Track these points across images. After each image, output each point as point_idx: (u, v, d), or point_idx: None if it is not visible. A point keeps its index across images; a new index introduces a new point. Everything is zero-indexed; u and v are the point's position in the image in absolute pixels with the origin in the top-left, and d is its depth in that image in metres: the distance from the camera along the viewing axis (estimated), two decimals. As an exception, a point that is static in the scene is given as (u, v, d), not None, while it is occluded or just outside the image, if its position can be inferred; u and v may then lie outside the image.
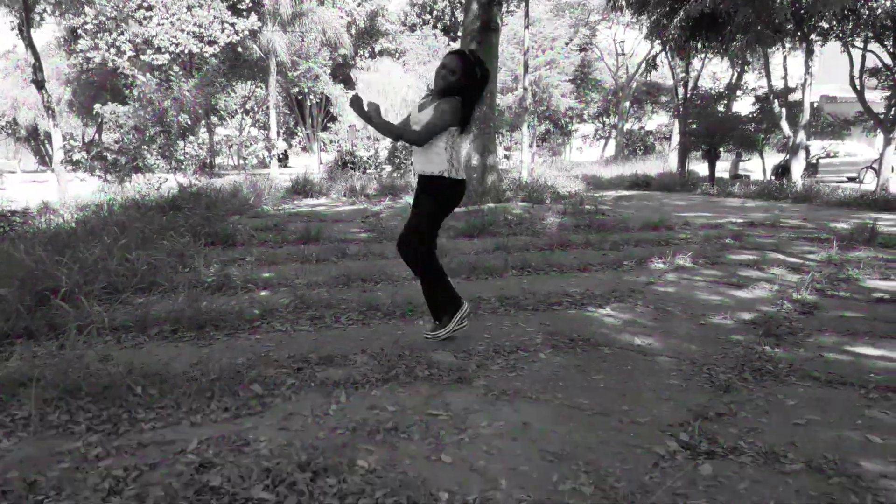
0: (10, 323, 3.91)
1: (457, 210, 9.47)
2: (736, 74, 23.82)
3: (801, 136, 15.22)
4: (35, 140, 31.39)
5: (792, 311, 4.48)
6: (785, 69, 16.38)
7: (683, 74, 19.78)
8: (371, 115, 3.54)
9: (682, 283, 5.31)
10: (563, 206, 10.15)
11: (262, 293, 5.02)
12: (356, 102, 3.58)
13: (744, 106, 23.58)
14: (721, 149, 17.83)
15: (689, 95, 19.44)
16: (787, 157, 20.00)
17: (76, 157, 10.68)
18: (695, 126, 17.81)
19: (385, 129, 3.58)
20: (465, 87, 3.56)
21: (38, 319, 4.02)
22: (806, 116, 15.09)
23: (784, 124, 15.59)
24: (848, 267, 5.92)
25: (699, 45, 15.17)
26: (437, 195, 3.71)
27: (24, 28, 14.33)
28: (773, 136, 18.98)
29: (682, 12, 12.97)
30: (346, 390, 3.05)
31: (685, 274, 5.66)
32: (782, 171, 19.71)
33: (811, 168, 20.31)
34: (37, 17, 17.22)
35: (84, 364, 3.16)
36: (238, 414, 2.79)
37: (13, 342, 3.80)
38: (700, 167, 24.36)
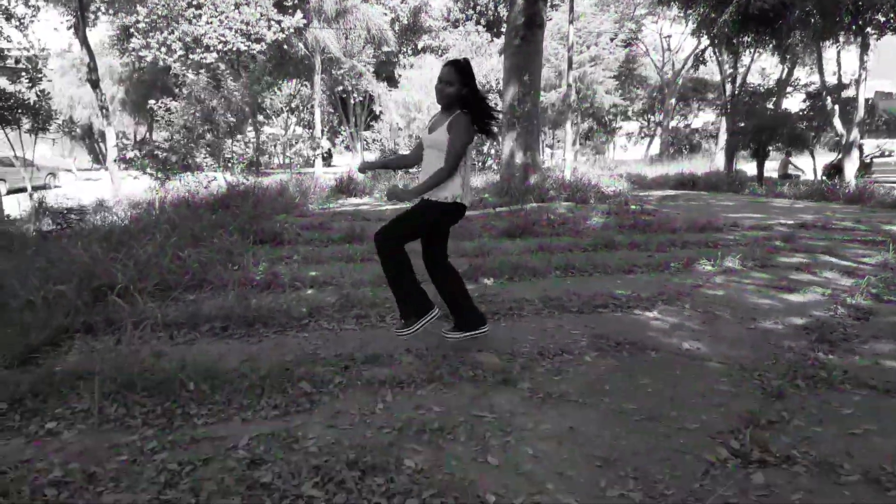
0: (70, 318, 4.06)
1: (499, 209, 9.57)
2: (786, 70, 23.19)
3: (855, 133, 14.74)
4: (90, 138, 32.41)
5: (846, 316, 4.35)
6: (838, 64, 15.81)
7: (731, 70, 19.34)
8: (409, 192, 3.55)
9: (731, 286, 5.20)
10: (607, 205, 10.03)
11: (309, 291, 5.10)
12: (394, 194, 3.61)
13: (794, 103, 22.93)
14: (770, 147, 17.36)
15: (737, 92, 18.99)
16: (840, 156, 19.41)
17: (129, 154, 11.01)
18: (743, 124, 17.37)
19: (428, 187, 3.46)
20: (467, 93, 3.48)
21: (96, 315, 4.17)
22: (860, 113, 14.60)
23: (837, 122, 15.11)
24: (905, 271, 5.73)
25: (749, 40, 14.78)
26: (440, 218, 3.61)
27: (80, 27, 14.80)
28: (825, 135, 18.40)
29: (732, 6, 12.66)
30: (392, 389, 3.08)
31: (734, 277, 5.54)
32: (834, 170, 19.11)
33: (865, 168, 19.61)
34: (91, 17, 17.77)
35: (139, 359, 3.26)
36: (287, 411, 2.85)
37: (73, 336, 3.96)
38: (748, 166, 23.78)
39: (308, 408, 2.89)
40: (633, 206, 9.89)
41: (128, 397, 2.94)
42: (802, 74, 25.67)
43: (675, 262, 5.99)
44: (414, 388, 3.10)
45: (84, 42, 14.87)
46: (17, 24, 10.39)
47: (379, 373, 3.28)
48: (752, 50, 18.05)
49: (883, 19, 13.32)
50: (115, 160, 11.37)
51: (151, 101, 13.62)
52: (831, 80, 19.59)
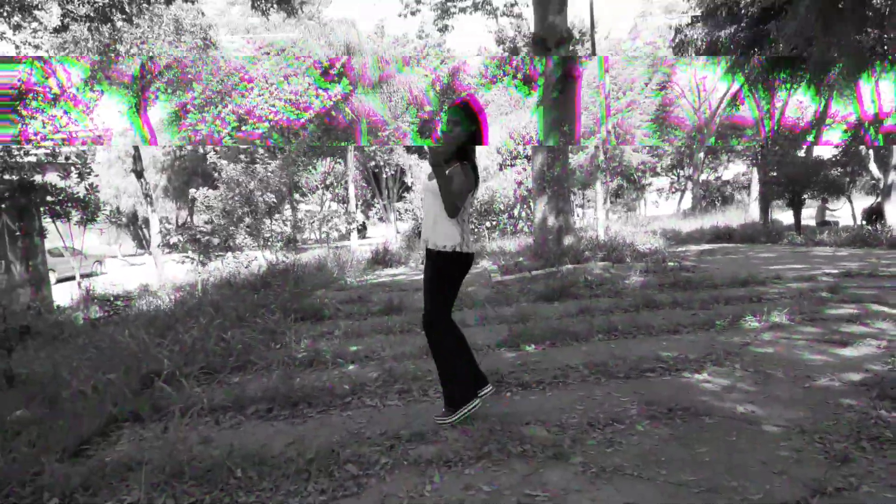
0: (118, 407, 4.12)
1: (535, 272, 9.53)
2: (822, 104, 22.99)
3: (893, 176, 14.45)
4: (134, 225, 33.55)
5: (906, 369, 4.17)
6: (876, 97, 15.63)
7: (768, 107, 19.22)
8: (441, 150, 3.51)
9: (781, 343, 5.04)
10: (644, 263, 9.93)
11: (351, 367, 5.10)
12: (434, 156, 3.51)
13: (835, 136, 22.55)
14: (805, 196, 17.12)
15: (769, 138, 18.85)
16: (879, 199, 19.01)
17: (172, 240, 11.37)
18: (774, 174, 17.21)
19: (446, 189, 3.41)
20: (473, 131, 3.55)
21: (144, 402, 4.21)
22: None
23: (872, 166, 14.85)
24: (964, 317, 5.50)
25: (784, 76, 14.76)
26: (450, 271, 3.62)
27: (140, 107, 15.56)
28: (860, 179, 18.07)
29: (756, 57, 12.76)
30: (440, 469, 3.02)
31: (783, 332, 5.38)
32: (875, 215, 18.69)
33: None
34: (151, 97, 18.72)
35: (187, 447, 3.27)
36: (335, 496, 2.81)
37: (121, 426, 4.00)
38: (785, 215, 23.44)
39: (356, 492, 2.85)
40: (671, 263, 9.77)
41: (176, 487, 2.93)
42: (840, 108, 25.38)
43: (721, 320, 5.85)
44: (462, 467, 3.03)
45: (143, 122, 15.61)
46: (83, 108, 11.01)
47: (425, 451, 3.22)
48: (787, 86, 17.96)
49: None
50: (158, 245, 11.75)
51: (192, 190, 14.13)
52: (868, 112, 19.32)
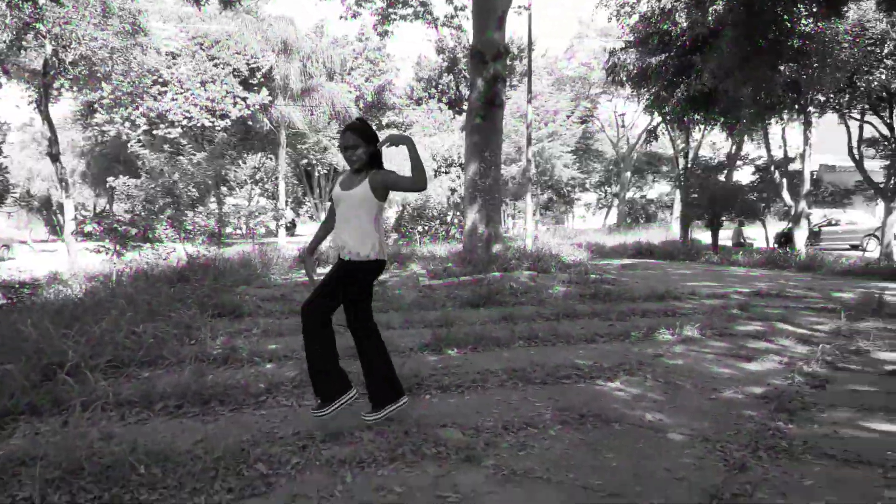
0: (14, 399, 3.88)
1: (462, 278, 9.60)
2: (735, 145, 24.28)
3: (803, 204, 15.39)
4: (47, 210, 31.86)
5: (803, 384, 4.41)
6: (784, 140, 16.70)
7: (683, 145, 20.17)
8: (406, 139, 3.51)
9: (691, 356, 5.25)
10: (568, 275, 10.17)
11: (268, 366, 4.99)
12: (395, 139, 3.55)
13: (744, 175, 23.87)
14: (724, 218, 17.97)
15: (689, 166, 19.74)
16: (790, 225, 20.17)
17: (87, 228, 10.83)
18: (696, 196, 18.01)
19: (417, 163, 3.45)
20: (375, 151, 3.59)
21: (43, 395, 3.99)
22: (806, 186, 15.30)
23: (785, 194, 15.78)
24: (857, 338, 5.87)
25: (698, 118, 15.51)
26: (365, 278, 3.61)
27: (43, 103, 14.80)
28: (775, 205, 19.15)
29: (680, 88, 13.32)
30: (352, 470, 2.99)
31: (693, 346, 5.61)
32: (785, 239, 19.82)
33: (814, 236, 20.39)
34: (54, 93, 17.84)
35: (87, 442, 3.11)
36: (242, 495, 2.74)
37: (17, 419, 3.77)
38: (704, 235, 24.49)
39: (264, 491, 2.78)
40: (593, 275, 10.05)
41: (73, 483, 2.79)
42: (751, 148, 26.87)
43: (636, 332, 6.05)
44: (375, 468, 3.01)
45: (46, 118, 14.84)
46: None
47: (339, 452, 3.19)
48: (701, 126, 18.93)
49: (823, 98, 14.13)
50: (72, 233, 11.16)
51: (110, 179, 13.55)
52: (778, 153, 20.60)
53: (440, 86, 37.59)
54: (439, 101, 36.75)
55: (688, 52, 13.79)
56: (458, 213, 27.33)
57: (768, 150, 16.55)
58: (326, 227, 3.83)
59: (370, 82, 36.11)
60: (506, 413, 3.77)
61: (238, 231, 28.29)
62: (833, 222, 22.93)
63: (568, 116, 30.59)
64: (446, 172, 26.49)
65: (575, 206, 43.24)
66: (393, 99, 37.37)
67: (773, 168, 15.79)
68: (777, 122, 15.88)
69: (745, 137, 23.92)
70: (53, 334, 4.97)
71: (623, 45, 16.09)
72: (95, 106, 23.99)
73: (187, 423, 3.72)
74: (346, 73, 34.22)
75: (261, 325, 6.52)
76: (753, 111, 13.12)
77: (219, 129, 25.05)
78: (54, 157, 14.74)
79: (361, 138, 3.55)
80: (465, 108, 34.33)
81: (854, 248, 21.16)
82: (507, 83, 11.96)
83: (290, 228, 37.14)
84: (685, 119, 15.66)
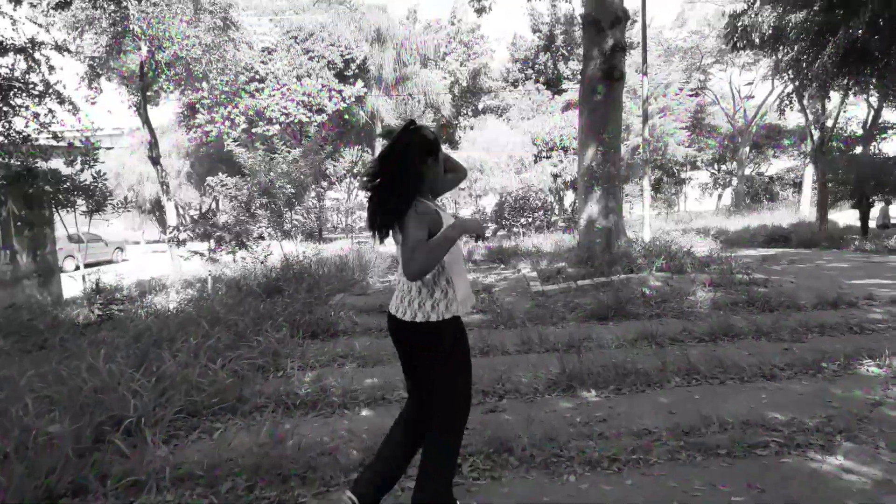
0: (57, 474, 3.12)
1: (580, 282, 8.39)
2: (873, 112, 21.44)
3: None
4: (159, 211, 33.01)
5: None
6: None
7: (818, 114, 17.81)
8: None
9: (923, 402, 3.85)
10: (707, 274, 8.67)
11: (364, 413, 4.06)
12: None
13: (889, 147, 21.05)
14: (874, 198, 15.65)
15: (828, 138, 17.40)
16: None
17: (181, 237, 10.44)
18: (841, 173, 15.74)
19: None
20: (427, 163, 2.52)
21: (92, 467, 3.22)
22: None
23: (959, 167, 13.35)
24: None
25: (847, 82, 13.35)
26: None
27: (142, 107, 14.74)
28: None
29: (830, 45, 11.35)
30: None
31: (919, 384, 4.18)
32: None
33: None
34: (153, 95, 17.97)
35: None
36: None
37: (55, 503, 3.01)
38: (839, 216, 21.88)
39: None
40: (738, 275, 8.49)
41: None
42: (892, 116, 23.67)
43: (827, 361, 4.65)
44: None
45: (145, 121, 14.79)
46: (70, 107, 10.11)
47: None
48: (846, 92, 16.57)
49: None
50: (167, 239, 10.83)
51: (209, 178, 13.25)
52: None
53: (537, 66, 35.91)
54: (536, 81, 35.11)
55: (835, 7, 11.78)
56: (559, 201, 25.95)
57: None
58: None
59: (465, 66, 35.03)
60: (694, 516, 2.62)
61: (338, 226, 28.17)
62: None
63: (680, 89, 28.19)
64: (548, 157, 25.07)
65: (686, 187, 40.39)
66: (488, 82, 36.13)
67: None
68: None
69: (885, 103, 21.08)
70: (118, 376, 4.25)
71: (749, 3, 14.11)
72: (197, 106, 24.26)
73: (260, 517, 2.82)
74: (441, 58, 33.29)
75: (357, 348, 5.64)
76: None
77: (316, 124, 24.74)
78: (155, 161, 14.67)
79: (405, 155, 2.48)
80: (563, 88, 32.67)
81: None
82: (626, 54, 10.43)
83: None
84: (829, 83, 13.53)
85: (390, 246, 15.34)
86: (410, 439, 2.63)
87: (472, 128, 29.89)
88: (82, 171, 9.46)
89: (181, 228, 10.57)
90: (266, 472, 3.13)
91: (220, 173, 14.23)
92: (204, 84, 18.59)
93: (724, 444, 3.25)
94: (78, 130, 10.24)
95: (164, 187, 15.18)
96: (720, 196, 41.85)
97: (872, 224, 18.04)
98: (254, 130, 23.80)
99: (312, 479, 3.10)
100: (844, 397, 3.97)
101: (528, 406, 4.00)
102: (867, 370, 4.49)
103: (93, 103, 14.50)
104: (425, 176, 2.48)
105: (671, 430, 3.48)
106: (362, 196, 34.57)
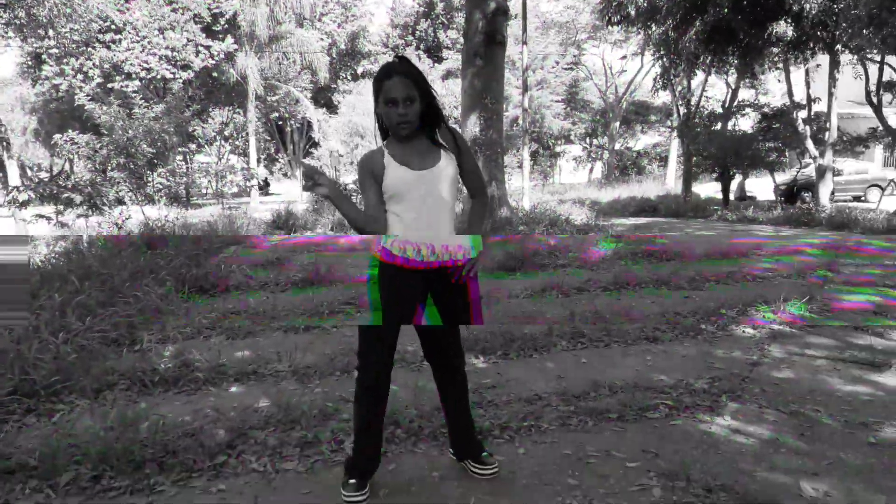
0: None
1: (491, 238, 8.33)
2: (732, 91, 22.98)
3: (829, 154, 14.12)
4: (1, 171, 29.77)
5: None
6: (807, 84, 15.22)
7: (685, 91, 18.79)
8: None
9: (796, 362, 3.98)
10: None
11: (233, 389, 3.68)
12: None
13: (744, 124, 22.69)
14: (734, 171, 16.78)
15: (692, 115, 18.42)
16: (796, 176, 19.01)
17: (21, 197, 9.23)
18: (704, 147, 16.73)
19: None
20: (432, 101, 2.36)
21: None
22: (833, 133, 13.99)
23: (809, 143, 14.47)
24: None
25: (711, 60, 14.08)
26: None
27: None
28: (786, 156, 17.98)
29: (697, 23, 11.86)
30: None
31: (790, 345, 4.33)
32: (793, 192, 18.68)
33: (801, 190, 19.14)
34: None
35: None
36: None
37: None
38: (702, 188, 23.36)
39: None
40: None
41: None
42: (748, 95, 25.48)
43: (729, 310, 4.92)
44: None
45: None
46: None
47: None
48: (707, 71, 17.53)
49: (850, 33, 12.73)
50: (6, 200, 9.60)
51: (56, 136, 11.95)
52: (781, 101, 19.22)
53: (417, 32, 35.51)
54: (417, 48, 34.74)
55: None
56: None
57: (790, 93, 15.10)
58: (361, 213, 2.36)
59: (342, 28, 33.96)
60: (589, 485, 2.51)
61: (207, 192, 26.68)
62: (837, 172, 21.83)
63: (557, 62, 28.87)
64: (430, 125, 24.92)
65: (560, 160, 41.77)
66: (368, 46, 35.29)
67: (795, 115, 14.39)
68: (801, 62, 14.43)
69: (741, 83, 22.63)
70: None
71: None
72: (43, 57, 21.82)
73: (108, 510, 2.42)
74: (317, 18, 32.05)
75: (251, 304, 5.23)
76: (780, 48, 11.71)
77: (181, 80, 23.03)
78: (-9, 113, 13.02)
79: (416, 87, 2.24)
80: (443, 56, 32.53)
81: (857, 199, 20.10)
82: (507, 18, 10.36)
83: (264, 187, 35.27)
84: (696, 61, 14.21)
85: (263, 213, 14.60)
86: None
87: (350, 92, 29.10)
88: None
89: (20, 189, 9.37)
90: (114, 461, 2.70)
91: (70, 130, 12.95)
92: (50, 31, 16.68)
93: (614, 409, 3.19)
94: None
95: (4, 143, 13.52)
96: (591, 169, 43.66)
97: (731, 196, 19.41)
98: (110, 86, 21.80)
99: (172, 464, 2.72)
100: (722, 356, 4.07)
101: (417, 375, 3.79)
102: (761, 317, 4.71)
103: None
104: None
105: (561, 395, 3.39)
106: (234, 160, 32.85)
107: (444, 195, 2.35)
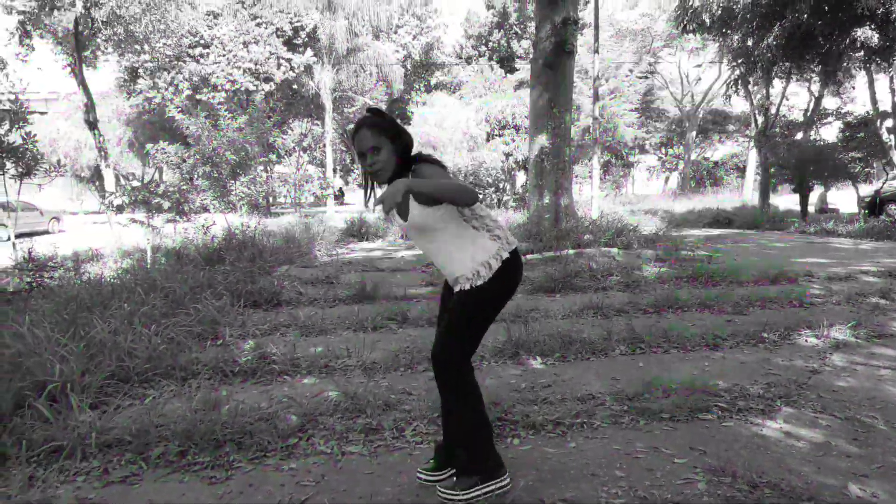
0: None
1: (529, 257, 8.41)
2: (814, 99, 22.11)
3: (914, 165, 13.48)
4: (99, 180, 31.83)
5: None
6: (892, 90, 14.53)
7: (763, 100, 18.25)
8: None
9: (859, 371, 3.95)
10: (654, 251, 8.80)
11: (306, 381, 3.95)
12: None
13: (828, 133, 21.76)
14: (813, 182, 16.16)
15: (771, 123, 17.86)
16: (881, 188, 18.07)
17: (116, 202, 9.99)
18: (783, 157, 16.20)
19: (443, 194, 2.21)
20: (405, 142, 2.43)
21: (8, 434, 3.02)
22: (924, 145, 13.34)
23: (894, 154, 13.81)
24: None
25: (789, 66, 13.66)
26: (493, 298, 2.48)
27: (77, 65, 14.04)
28: (872, 168, 17.12)
29: (776, 28, 11.57)
30: None
31: (855, 355, 4.28)
32: (876, 204, 17.78)
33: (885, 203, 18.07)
34: (92, 58, 17.13)
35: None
36: None
37: (-31, 474, 2.82)
38: (780, 200, 22.56)
39: None
40: (684, 252, 8.65)
41: None
42: (831, 104, 24.44)
43: (769, 333, 4.75)
44: None
45: (81, 82, 14.11)
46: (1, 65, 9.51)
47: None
48: (786, 78, 16.99)
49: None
50: (103, 206, 10.36)
51: (148, 146, 12.77)
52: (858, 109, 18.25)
53: (490, 43, 35.75)
54: (490, 59, 34.98)
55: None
56: (512, 180, 26.00)
57: (874, 101, 14.49)
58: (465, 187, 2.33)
59: (417, 40, 34.62)
60: (635, 478, 2.61)
61: (285, 200, 27.61)
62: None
63: (631, 71, 28.52)
64: (500, 135, 25.03)
65: (634, 170, 41.07)
66: (441, 58, 35.82)
67: (880, 123, 13.77)
68: (883, 67, 13.81)
69: (826, 91, 21.74)
70: (45, 341, 4.03)
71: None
72: (139, 71, 23.34)
73: (191, 482, 2.70)
74: (393, 31, 32.82)
75: (301, 318, 5.50)
76: (865, 54, 11.27)
77: (263, 93, 24.11)
78: (92, 125, 14.05)
79: (383, 135, 2.36)
80: (516, 66, 32.64)
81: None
82: (578, 27, 10.42)
83: (339, 197, 36.30)
84: (773, 69, 13.81)
85: (338, 221, 15.10)
86: None
87: (424, 103, 29.60)
88: (11, 130, 8.94)
89: (117, 194, 10.13)
90: (198, 440, 3.00)
91: (161, 141, 13.77)
92: (145, 47, 17.84)
93: (667, 409, 3.27)
94: (11, 93, 9.64)
95: (102, 153, 14.56)
96: (667, 179, 42.76)
97: (811, 209, 18.66)
98: (198, 98, 23.04)
99: (248, 444, 2.99)
100: (785, 366, 4.04)
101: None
102: (807, 341, 4.59)
103: (24, 61, 13.74)
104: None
105: (614, 396, 3.49)
106: (311, 170, 33.90)
107: (429, 244, 2.49)
